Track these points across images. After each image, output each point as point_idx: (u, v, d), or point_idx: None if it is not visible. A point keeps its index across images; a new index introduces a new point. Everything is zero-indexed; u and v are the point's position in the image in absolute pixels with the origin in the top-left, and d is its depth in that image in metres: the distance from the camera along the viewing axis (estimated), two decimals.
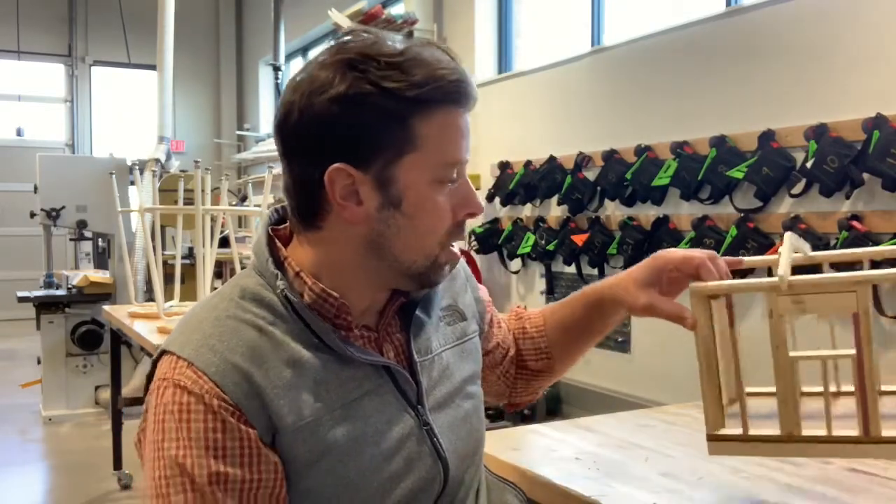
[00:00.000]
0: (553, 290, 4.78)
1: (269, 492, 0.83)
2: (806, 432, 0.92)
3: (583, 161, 4.46)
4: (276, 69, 7.27)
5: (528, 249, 4.78)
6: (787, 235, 1.00)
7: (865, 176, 3.00)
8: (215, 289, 1.24)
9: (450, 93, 0.87)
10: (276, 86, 7.29)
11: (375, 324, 0.95)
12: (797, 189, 3.28)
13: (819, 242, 3.13)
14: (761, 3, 3.55)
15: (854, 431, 0.89)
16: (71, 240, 6.19)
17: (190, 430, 0.80)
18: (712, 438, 0.96)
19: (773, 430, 0.93)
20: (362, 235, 0.89)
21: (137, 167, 5.13)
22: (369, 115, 0.84)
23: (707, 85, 3.81)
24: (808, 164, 3.18)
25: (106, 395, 4.60)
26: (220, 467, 0.80)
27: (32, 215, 5.19)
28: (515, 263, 5.02)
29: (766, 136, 3.39)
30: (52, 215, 4.99)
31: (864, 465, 1.16)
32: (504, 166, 5.06)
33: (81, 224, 5.10)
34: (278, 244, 0.93)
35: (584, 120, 4.60)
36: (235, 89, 11.16)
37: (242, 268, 3.07)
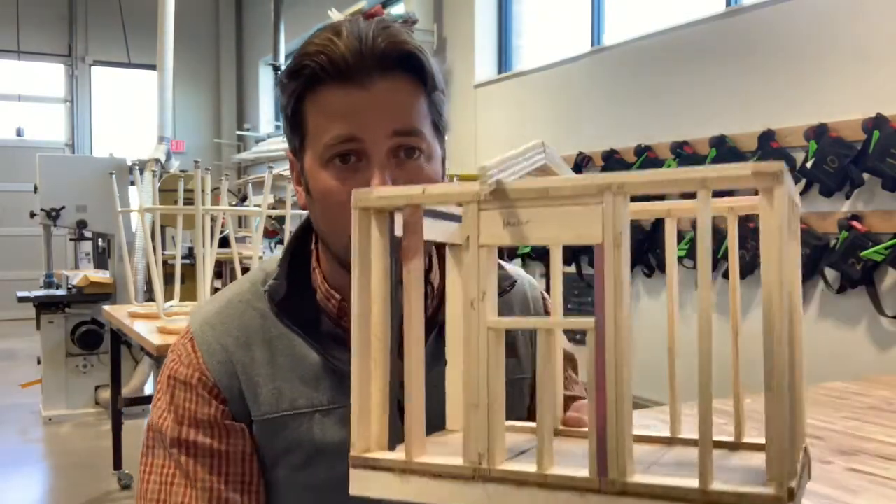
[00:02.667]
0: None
1: (239, 463, 0.86)
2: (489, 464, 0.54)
3: (583, 161, 4.46)
4: (276, 69, 7.28)
5: (528, 249, 4.79)
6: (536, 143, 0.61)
7: (865, 176, 3.01)
8: (217, 289, 1.25)
9: (318, 70, 0.81)
10: (276, 86, 7.33)
11: None
12: (797, 189, 3.28)
13: (819, 242, 3.14)
14: (761, 3, 3.55)
15: (581, 470, 0.51)
16: (71, 240, 6.19)
17: (173, 396, 0.88)
18: (360, 464, 0.59)
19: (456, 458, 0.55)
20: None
21: (137, 167, 5.12)
22: (280, 101, 0.87)
23: (707, 85, 3.81)
24: (808, 164, 3.19)
25: (106, 395, 4.60)
26: (190, 436, 0.85)
27: (32, 215, 5.19)
28: (516, 263, 5.03)
29: (766, 136, 3.40)
30: (52, 215, 4.98)
31: (863, 466, 1.16)
32: None
33: (81, 224, 5.10)
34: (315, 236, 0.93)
35: (584, 120, 4.60)
36: (235, 89, 11.17)
37: (243, 269, 3.05)
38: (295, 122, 0.86)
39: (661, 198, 0.62)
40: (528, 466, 0.53)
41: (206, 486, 0.85)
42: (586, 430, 0.68)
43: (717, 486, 0.48)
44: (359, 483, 0.59)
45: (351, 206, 0.59)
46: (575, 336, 1.09)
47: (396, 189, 0.59)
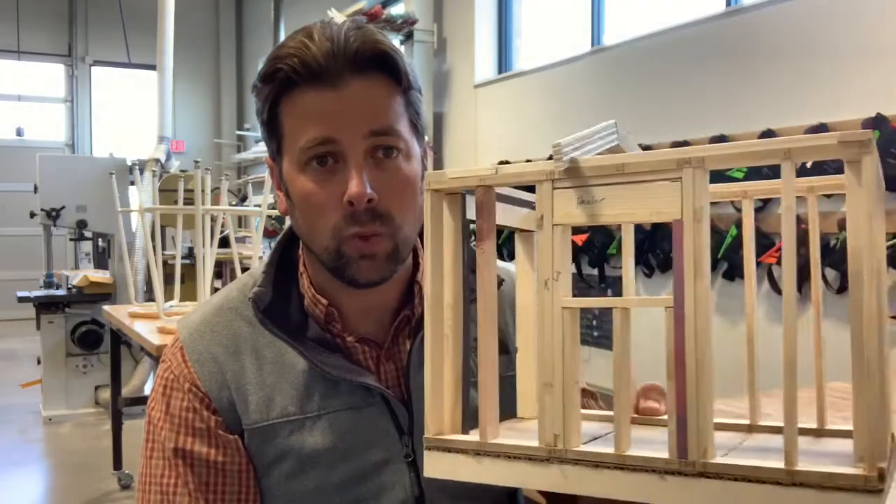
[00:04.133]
0: None
1: (235, 477, 0.86)
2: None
3: None
4: None
5: None
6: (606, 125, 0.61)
7: None
8: (216, 289, 1.24)
9: (291, 73, 0.80)
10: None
11: (384, 338, 0.90)
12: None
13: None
14: (761, 3, 3.55)
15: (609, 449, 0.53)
16: (71, 240, 6.18)
17: (169, 405, 0.87)
18: (434, 446, 0.59)
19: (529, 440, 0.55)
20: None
21: (137, 167, 5.12)
22: (256, 106, 0.87)
23: (707, 85, 3.81)
24: (809, 165, 3.19)
25: (106, 395, 4.60)
26: (188, 444, 0.85)
27: (32, 215, 5.19)
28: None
29: (766, 137, 3.39)
30: (52, 215, 4.98)
31: None
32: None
33: (81, 224, 5.10)
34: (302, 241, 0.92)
35: (584, 120, 4.60)
36: (235, 89, 11.17)
37: (243, 269, 3.05)
38: (271, 126, 0.85)
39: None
40: (606, 448, 0.52)
41: (207, 500, 0.85)
42: (664, 418, 0.67)
43: (803, 466, 0.47)
44: (433, 465, 0.58)
45: (424, 187, 0.60)
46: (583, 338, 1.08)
47: (469, 170, 0.58)
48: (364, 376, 0.86)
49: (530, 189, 0.60)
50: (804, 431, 0.62)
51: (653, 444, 0.56)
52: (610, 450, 0.52)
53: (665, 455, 0.50)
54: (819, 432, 0.63)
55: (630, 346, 0.54)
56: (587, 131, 0.56)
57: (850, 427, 0.54)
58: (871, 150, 0.46)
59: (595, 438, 0.59)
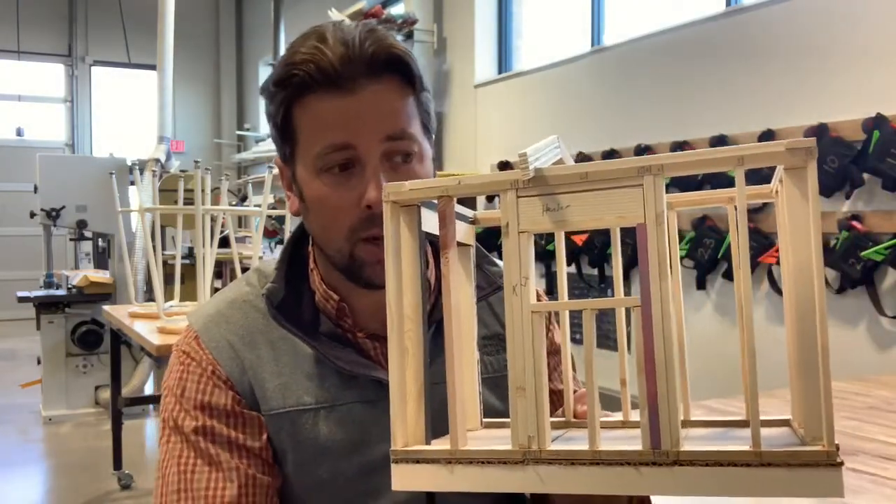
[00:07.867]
0: (553, 290, 4.78)
1: (257, 451, 0.86)
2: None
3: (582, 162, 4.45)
4: None
5: None
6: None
7: (865, 176, 3.01)
8: (217, 289, 1.25)
9: (306, 78, 0.80)
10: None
11: None
12: None
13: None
14: (761, 3, 3.55)
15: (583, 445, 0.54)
16: (71, 240, 6.19)
17: (185, 389, 0.87)
18: (402, 458, 0.58)
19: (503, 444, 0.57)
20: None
21: (137, 167, 5.12)
22: (268, 109, 0.87)
23: (707, 85, 3.81)
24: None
25: (106, 395, 4.60)
26: (207, 422, 0.85)
27: (32, 215, 5.19)
28: None
29: (766, 136, 3.39)
30: (52, 215, 4.98)
31: (864, 466, 1.16)
32: (504, 166, 5.07)
33: (81, 224, 5.10)
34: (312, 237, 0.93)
35: (584, 120, 4.60)
36: (235, 89, 11.17)
37: (243, 269, 3.04)
38: (284, 130, 0.85)
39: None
40: (579, 446, 0.54)
41: (231, 467, 0.84)
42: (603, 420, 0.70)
43: (768, 448, 0.50)
44: (403, 477, 0.58)
45: (381, 201, 0.60)
46: (574, 336, 1.08)
47: (430, 181, 0.60)
48: (376, 371, 0.87)
49: (465, 204, 0.63)
50: (736, 423, 0.65)
51: (613, 439, 0.59)
52: (583, 447, 0.54)
53: (638, 448, 0.52)
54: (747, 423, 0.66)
55: (594, 346, 0.56)
56: (540, 143, 0.59)
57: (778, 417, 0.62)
58: (815, 156, 0.51)
59: (554, 440, 0.61)
